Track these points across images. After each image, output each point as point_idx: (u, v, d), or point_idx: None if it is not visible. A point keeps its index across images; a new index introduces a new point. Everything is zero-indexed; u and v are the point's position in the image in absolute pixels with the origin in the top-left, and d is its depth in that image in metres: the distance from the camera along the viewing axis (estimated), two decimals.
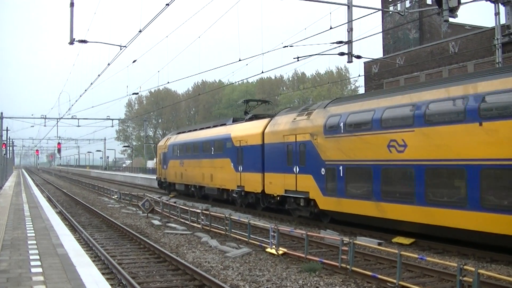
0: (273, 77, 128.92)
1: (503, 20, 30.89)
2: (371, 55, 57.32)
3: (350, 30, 26.99)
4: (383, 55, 47.87)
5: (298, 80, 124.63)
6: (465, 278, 11.67)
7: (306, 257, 17.20)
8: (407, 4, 46.26)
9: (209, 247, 20.51)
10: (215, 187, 37.39)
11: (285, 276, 15.21)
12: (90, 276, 11.02)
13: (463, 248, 18.57)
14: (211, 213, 25.97)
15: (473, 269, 11.49)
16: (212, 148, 37.77)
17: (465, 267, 11.82)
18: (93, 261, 15.37)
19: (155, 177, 57.31)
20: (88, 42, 28.49)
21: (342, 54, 27.91)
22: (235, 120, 37.35)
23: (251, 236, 21.20)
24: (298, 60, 29.52)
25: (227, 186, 35.24)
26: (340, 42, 27.39)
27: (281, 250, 18.52)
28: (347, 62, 27.57)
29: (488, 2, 28.85)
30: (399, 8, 45.03)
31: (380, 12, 45.87)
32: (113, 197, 47.60)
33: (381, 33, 49.03)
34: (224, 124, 37.97)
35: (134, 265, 17.27)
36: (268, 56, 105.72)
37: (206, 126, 43.10)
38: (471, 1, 26.39)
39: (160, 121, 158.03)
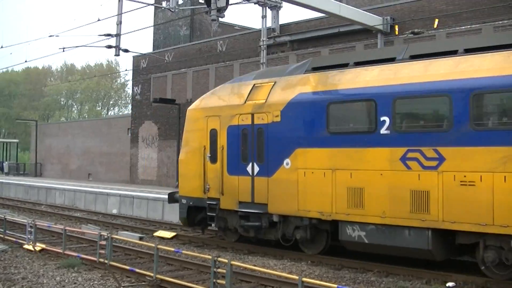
0: (40, 67, 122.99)
1: (269, 23, 32.69)
2: (143, 50, 57.36)
3: (119, 23, 26.70)
4: (153, 50, 48.03)
5: (67, 71, 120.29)
6: (219, 270, 12.05)
7: (64, 253, 16.71)
8: (180, 1, 46.95)
9: None
10: None
11: (42, 273, 14.65)
12: None
13: (222, 241, 19.39)
14: None
15: (226, 261, 11.90)
16: None
17: (219, 259, 12.22)
18: None
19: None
20: None
21: (109, 47, 27.43)
22: None
23: (7, 232, 20.11)
24: (63, 51, 28.63)
25: None
26: (109, 34, 26.95)
27: (40, 246, 17.80)
28: (114, 55, 27.29)
29: (257, 5, 30.34)
30: (171, 5, 45.44)
31: (153, 7, 45.94)
32: None
33: (152, 28, 49.11)
34: None
35: None
36: (34, 44, 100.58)
37: None
38: (238, 3, 27.56)
39: None
